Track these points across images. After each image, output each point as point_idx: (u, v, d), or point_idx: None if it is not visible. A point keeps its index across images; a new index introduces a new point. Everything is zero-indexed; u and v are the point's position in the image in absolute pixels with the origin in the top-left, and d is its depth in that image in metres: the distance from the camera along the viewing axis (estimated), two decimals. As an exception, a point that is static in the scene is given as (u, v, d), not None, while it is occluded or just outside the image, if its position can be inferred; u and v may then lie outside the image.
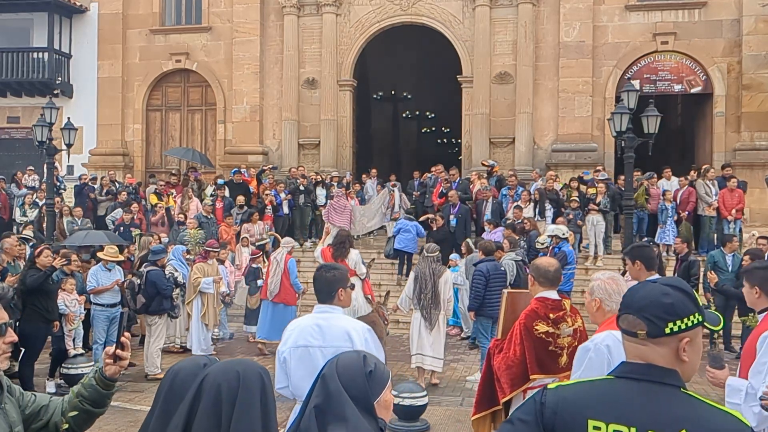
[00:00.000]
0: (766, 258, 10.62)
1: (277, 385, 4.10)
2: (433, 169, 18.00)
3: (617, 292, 3.70)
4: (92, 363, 9.82)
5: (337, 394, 2.06)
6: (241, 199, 16.97)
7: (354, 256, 10.76)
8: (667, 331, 2.00)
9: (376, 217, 17.43)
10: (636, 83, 17.46)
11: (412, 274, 10.17)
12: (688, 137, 21.35)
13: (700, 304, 2.06)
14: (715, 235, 15.24)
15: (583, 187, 16.38)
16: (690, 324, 2.01)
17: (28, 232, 14.83)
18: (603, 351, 3.50)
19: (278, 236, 15.30)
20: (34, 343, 9.25)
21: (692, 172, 16.71)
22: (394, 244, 15.49)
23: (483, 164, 18.48)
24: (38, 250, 9.54)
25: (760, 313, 4.05)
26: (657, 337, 2.00)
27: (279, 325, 10.12)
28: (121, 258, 11.20)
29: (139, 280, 10.61)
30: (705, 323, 2.06)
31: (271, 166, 19.75)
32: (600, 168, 17.82)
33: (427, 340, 9.66)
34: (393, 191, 17.80)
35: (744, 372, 3.93)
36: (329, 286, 4.14)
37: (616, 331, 3.53)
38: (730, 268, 11.87)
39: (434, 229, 15.26)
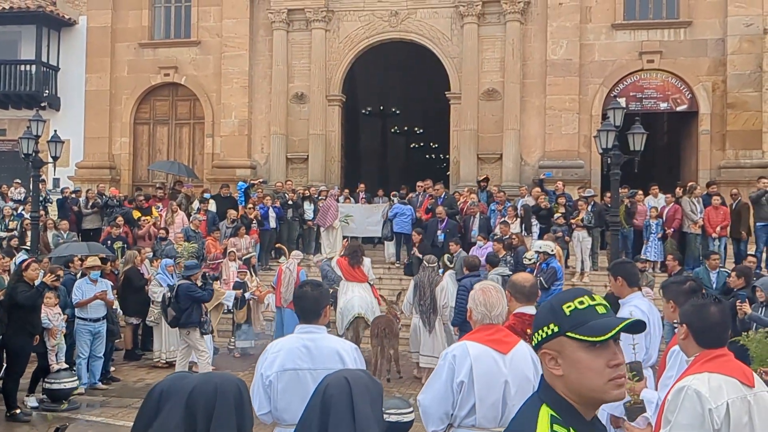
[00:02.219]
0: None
1: (258, 411, 3.93)
2: (420, 184, 18.06)
3: (482, 303, 3.77)
4: (75, 378, 9.72)
5: None
6: (232, 213, 16.89)
7: (367, 263, 12.18)
8: (534, 343, 2.05)
9: (378, 225, 17.54)
10: (622, 101, 17.58)
11: (412, 282, 11.36)
12: (674, 155, 21.52)
13: (566, 314, 1.96)
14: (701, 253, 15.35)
15: (544, 197, 16.41)
16: (544, 335, 1.99)
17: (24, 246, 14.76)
18: (449, 359, 3.66)
19: (284, 247, 15.39)
20: (19, 358, 9.16)
21: (678, 189, 16.84)
22: (393, 228, 16.68)
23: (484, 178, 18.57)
24: (26, 263, 9.48)
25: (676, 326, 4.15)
26: (536, 350, 2.05)
27: (290, 329, 10.66)
28: (105, 267, 11.16)
29: (170, 293, 10.49)
30: (569, 333, 1.94)
31: (260, 179, 19.73)
32: (586, 185, 17.93)
33: (425, 341, 10.88)
34: (394, 201, 17.90)
35: (656, 384, 4.04)
36: (317, 305, 4.01)
37: (471, 342, 3.69)
38: (714, 285, 11.95)
39: (415, 246, 15.27)
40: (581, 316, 1.95)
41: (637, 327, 1.95)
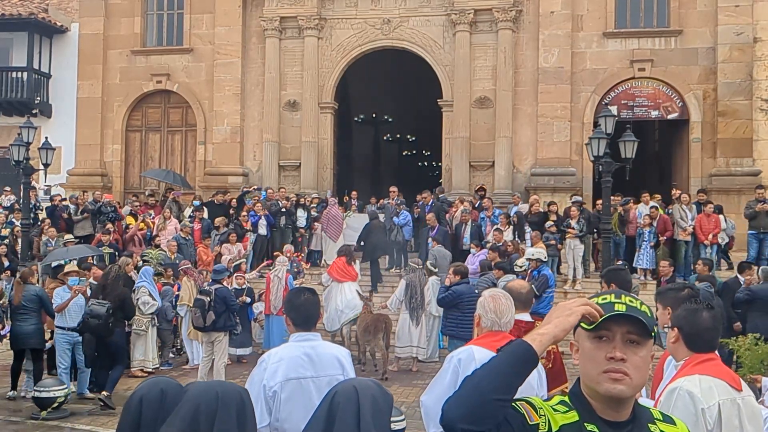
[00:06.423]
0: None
1: (258, 424, 3.86)
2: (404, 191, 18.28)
3: (491, 310, 3.82)
4: (64, 387, 9.60)
5: None
6: (220, 220, 16.82)
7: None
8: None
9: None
10: (613, 109, 17.65)
11: (403, 282, 12.55)
12: (665, 162, 21.59)
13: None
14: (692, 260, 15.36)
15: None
16: (575, 329, 2.15)
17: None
18: (453, 363, 3.75)
19: (280, 253, 15.43)
20: (124, 351, 10.23)
21: (673, 191, 16.93)
22: (405, 235, 17.17)
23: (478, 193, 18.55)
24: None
25: None
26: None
27: (278, 336, 12.08)
28: (84, 273, 11.04)
29: (208, 298, 10.46)
30: (582, 324, 2.08)
31: (255, 186, 19.69)
32: (578, 192, 17.96)
33: (414, 334, 12.32)
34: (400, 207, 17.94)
35: (653, 393, 4.03)
36: (318, 310, 4.02)
37: (478, 347, 3.72)
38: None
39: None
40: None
41: (630, 320, 1.96)
